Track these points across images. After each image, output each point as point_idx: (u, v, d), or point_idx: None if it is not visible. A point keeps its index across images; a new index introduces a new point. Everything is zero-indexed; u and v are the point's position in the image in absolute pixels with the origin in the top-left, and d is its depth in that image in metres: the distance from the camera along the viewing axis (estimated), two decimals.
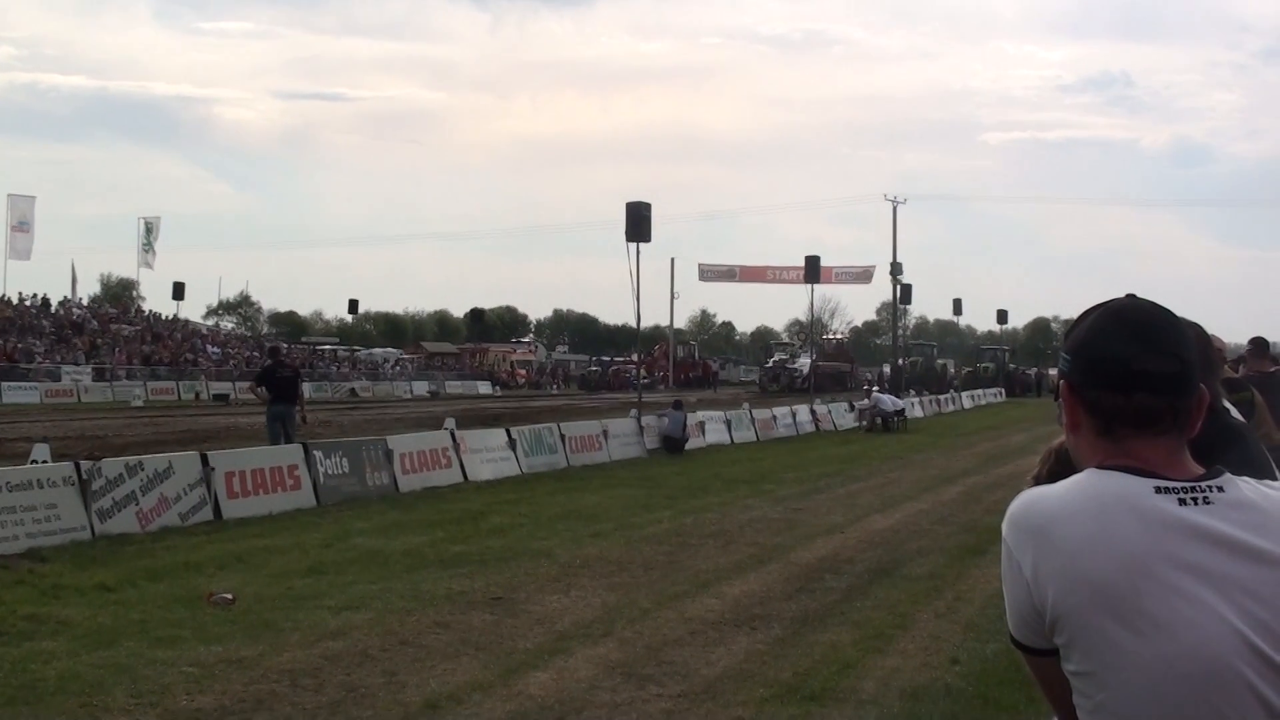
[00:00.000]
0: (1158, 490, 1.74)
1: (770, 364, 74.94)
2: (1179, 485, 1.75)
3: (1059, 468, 2.43)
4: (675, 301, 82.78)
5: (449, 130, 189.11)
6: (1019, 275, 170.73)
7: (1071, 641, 1.74)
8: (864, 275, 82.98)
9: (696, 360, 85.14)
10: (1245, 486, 1.76)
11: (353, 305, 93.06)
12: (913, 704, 6.91)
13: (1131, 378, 1.77)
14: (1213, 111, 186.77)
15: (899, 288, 72.08)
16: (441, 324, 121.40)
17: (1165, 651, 1.68)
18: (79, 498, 12.19)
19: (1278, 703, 1.67)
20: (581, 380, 78.91)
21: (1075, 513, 1.75)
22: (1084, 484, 1.78)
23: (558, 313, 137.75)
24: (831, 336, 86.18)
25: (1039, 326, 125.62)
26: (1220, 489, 1.75)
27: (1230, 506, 1.73)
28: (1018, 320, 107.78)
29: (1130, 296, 1.88)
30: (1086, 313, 1.88)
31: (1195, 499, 1.73)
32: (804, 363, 67.26)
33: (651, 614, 9.26)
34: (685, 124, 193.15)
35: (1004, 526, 1.82)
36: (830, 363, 71.96)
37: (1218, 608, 1.67)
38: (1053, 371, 75.86)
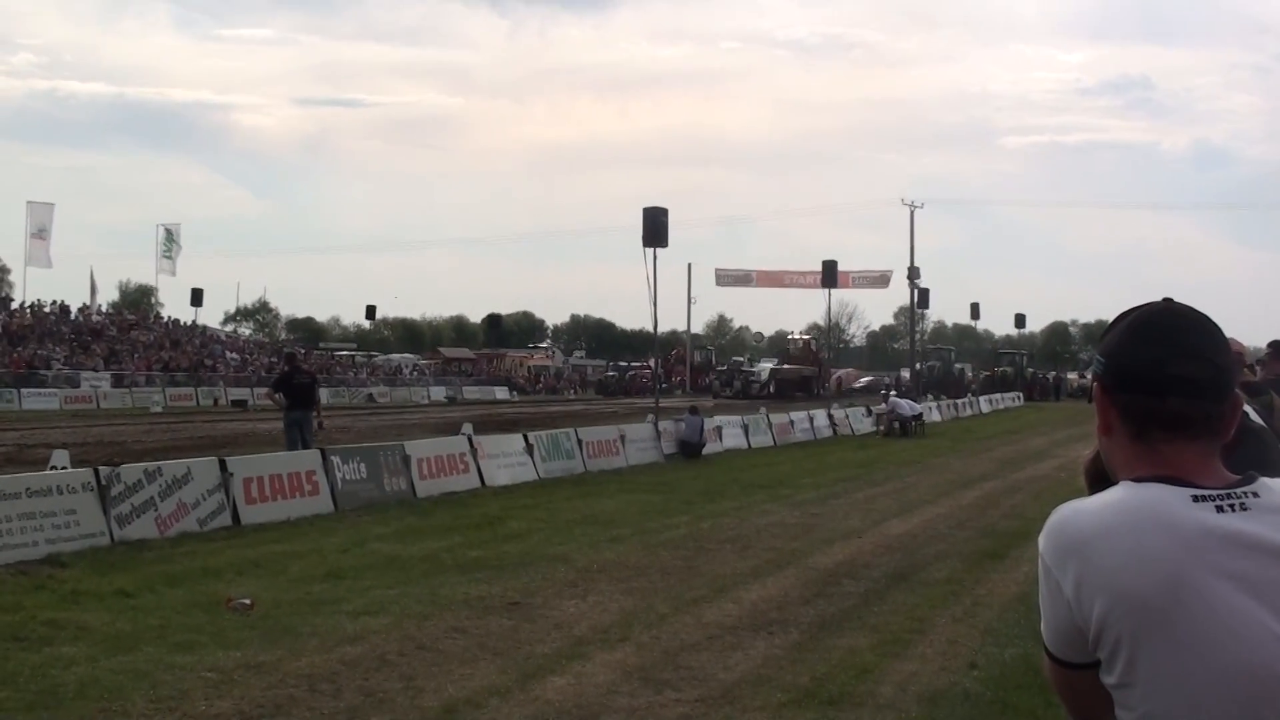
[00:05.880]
0: (1194, 499, 1.72)
1: (724, 367, 73.15)
2: (1215, 492, 1.73)
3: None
4: (692, 306, 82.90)
5: (466, 136, 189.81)
6: (1037, 279, 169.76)
7: (1114, 655, 1.72)
8: (881, 279, 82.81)
9: (714, 365, 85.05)
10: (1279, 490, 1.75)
11: (370, 311, 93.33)
12: (930, 709, 6.89)
13: (1165, 382, 1.76)
14: (1233, 114, 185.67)
15: (916, 292, 72.00)
16: (459, 329, 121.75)
17: (1209, 662, 1.66)
18: (98, 504, 12.24)
19: None
20: (599, 385, 78.98)
21: (1113, 528, 1.72)
22: (1120, 497, 1.76)
23: (575, 318, 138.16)
24: (796, 338, 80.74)
25: (1057, 330, 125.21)
26: (1256, 494, 1.73)
27: (1268, 511, 1.71)
28: (1036, 324, 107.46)
29: (1167, 300, 1.86)
30: (1122, 315, 1.86)
31: (1232, 505, 1.71)
32: (764, 367, 66.08)
33: (669, 619, 9.25)
34: (703, 129, 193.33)
35: (1041, 543, 1.80)
36: (794, 366, 68.81)
37: (1261, 615, 1.65)
38: (1071, 375, 75.77)
